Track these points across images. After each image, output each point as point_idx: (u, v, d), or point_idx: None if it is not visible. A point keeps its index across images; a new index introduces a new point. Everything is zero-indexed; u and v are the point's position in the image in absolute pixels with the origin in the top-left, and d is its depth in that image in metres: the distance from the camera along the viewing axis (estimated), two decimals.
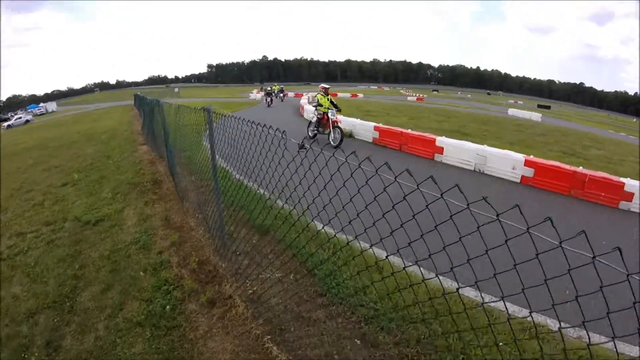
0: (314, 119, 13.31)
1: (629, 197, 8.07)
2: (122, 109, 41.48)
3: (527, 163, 9.29)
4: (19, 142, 20.84)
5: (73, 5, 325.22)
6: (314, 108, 13.45)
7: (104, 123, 25.58)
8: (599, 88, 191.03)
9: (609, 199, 8.26)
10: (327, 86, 13.34)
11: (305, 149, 2.19)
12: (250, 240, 4.51)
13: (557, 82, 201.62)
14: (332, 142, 12.33)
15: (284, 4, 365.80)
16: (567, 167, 8.97)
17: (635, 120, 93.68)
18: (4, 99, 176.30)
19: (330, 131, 12.46)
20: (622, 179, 8.29)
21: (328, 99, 12.95)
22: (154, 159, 10.87)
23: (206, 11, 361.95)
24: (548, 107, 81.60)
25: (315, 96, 13.35)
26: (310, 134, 13.65)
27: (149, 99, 10.25)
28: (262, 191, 3.21)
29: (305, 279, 4.12)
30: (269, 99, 32.60)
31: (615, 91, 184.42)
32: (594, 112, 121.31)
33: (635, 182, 8.07)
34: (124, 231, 5.86)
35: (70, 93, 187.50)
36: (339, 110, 12.99)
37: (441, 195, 1.44)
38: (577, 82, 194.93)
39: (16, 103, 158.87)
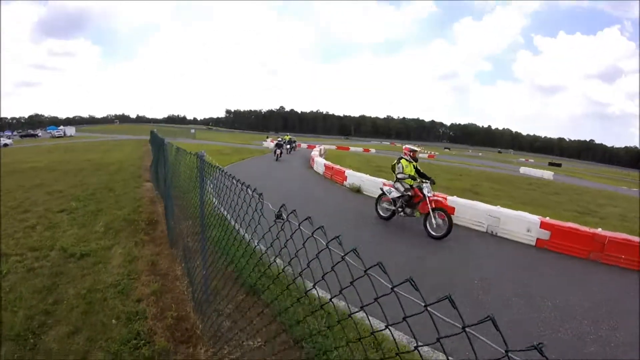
0: (393, 194, 9.84)
1: None
2: (137, 143, 42.16)
3: (543, 225, 8.91)
4: (28, 161, 20.88)
5: (112, 42, 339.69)
6: (395, 179, 9.97)
7: (116, 155, 25.84)
8: (609, 144, 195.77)
9: (630, 261, 7.87)
10: (416, 148, 10.09)
11: (282, 219, 1.85)
12: (235, 299, 4.17)
13: (567, 139, 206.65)
14: (432, 231, 8.82)
15: (305, 64, 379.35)
16: (586, 229, 8.59)
17: None
18: (26, 116, 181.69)
19: (429, 215, 8.90)
20: None
21: (414, 166, 9.82)
22: (155, 197, 10.68)
23: (232, 61, 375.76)
24: (559, 165, 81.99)
25: (399, 162, 9.79)
26: (382, 213, 10.43)
27: (159, 136, 10.22)
28: (256, 246, 2.90)
29: (291, 350, 3.76)
30: (278, 152, 28.09)
31: (626, 147, 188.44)
32: (605, 169, 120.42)
33: None
34: (107, 270, 5.51)
35: (91, 121, 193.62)
36: (432, 183, 9.45)
37: (365, 272, 1.20)
38: (588, 139, 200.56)
39: (37, 122, 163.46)
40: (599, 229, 8.58)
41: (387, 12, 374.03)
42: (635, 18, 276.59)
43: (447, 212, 8.79)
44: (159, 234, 7.35)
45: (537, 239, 8.98)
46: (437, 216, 8.82)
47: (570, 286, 6.67)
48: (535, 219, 9.10)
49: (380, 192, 10.51)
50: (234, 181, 2.72)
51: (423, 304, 1.02)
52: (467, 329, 0.97)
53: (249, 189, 2.39)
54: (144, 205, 9.68)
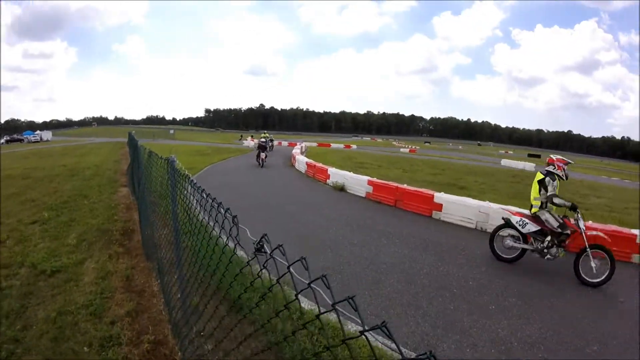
0: (529, 227, 7.14)
1: None
2: (114, 145, 41.27)
3: None
4: (5, 168, 20.12)
5: (88, 43, 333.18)
6: (541, 205, 7.17)
7: (92, 159, 25.10)
8: (586, 135, 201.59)
9: (622, 253, 7.83)
10: (569, 161, 7.39)
11: (264, 252, 1.50)
12: (218, 318, 3.85)
13: (545, 131, 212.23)
14: (587, 277, 6.57)
15: (284, 62, 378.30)
16: None
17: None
18: (2, 121, 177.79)
19: (584, 255, 6.63)
20: (634, 231, 8.07)
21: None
22: (131, 204, 10.24)
23: (210, 60, 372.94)
24: (538, 156, 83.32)
25: (552, 180, 7.01)
26: (501, 253, 7.52)
27: (135, 139, 9.80)
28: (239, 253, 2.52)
29: None
30: (262, 156, 21.91)
31: (603, 137, 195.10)
32: (584, 159, 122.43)
33: None
34: (78, 288, 5.13)
35: (68, 124, 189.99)
36: (575, 209, 6.88)
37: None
38: (565, 130, 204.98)
39: (13, 127, 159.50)
40: (590, 222, 8.51)
41: (367, 6, 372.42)
42: (612, 10, 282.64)
43: (607, 249, 6.59)
44: (134, 245, 6.97)
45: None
46: (594, 256, 6.56)
47: (567, 283, 6.58)
48: (527, 213, 8.90)
49: (503, 223, 7.65)
50: (203, 195, 2.37)
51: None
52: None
53: (220, 208, 2.00)
54: (120, 213, 9.26)
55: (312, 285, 1.13)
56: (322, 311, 1.14)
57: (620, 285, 6.59)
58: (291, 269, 1.27)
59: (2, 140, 67.94)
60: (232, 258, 1.86)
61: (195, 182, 2.73)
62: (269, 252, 1.42)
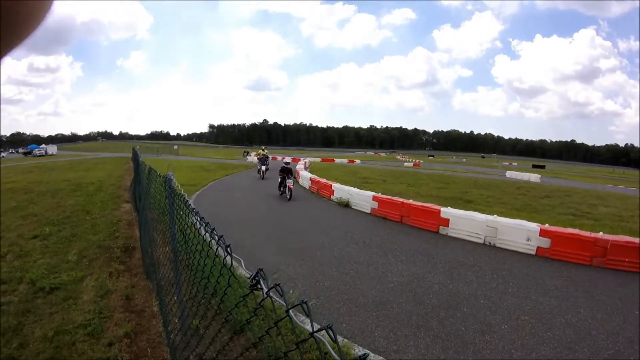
0: None
1: None
2: (118, 161, 41.29)
3: (543, 233, 8.62)
4: (6, 182, 20.09)
5: (93, 57, 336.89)
6: None
7: (96, 174, 25.02)
8: (589, 143, 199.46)
9: (633, 264, 7.70)
10: None
11: (260, 289, 1.33)
12: (220, 341, 3.65)
13: (548, 141, 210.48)
14: None
15: (287, 77, 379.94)
16: (587, 234, 8.38)
17: None
18: (7, 134, 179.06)
19: None
20: None
21: None
22: (133, 220, 10.12)
23: (215, 76, 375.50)
24: (543, 167, 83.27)
25: None
26: None
27: (138, 154, 9.70)
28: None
29: None
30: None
31: (607, 144, 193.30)
32: (587, 168, 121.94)
33: None
34: (77, 307, 5.00)
35: (74, 138, 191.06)
36: None
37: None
38: (569, 140, 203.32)
39: (19, 141, 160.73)
40: (600, 233, 8.41)
41: (367, 20, 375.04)
42: (611, 17, 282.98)
43: None
44: (135, 262, 6.84)
45: (538, 248, 8.68)
46: None
47: (580, 298, 6.38)
48: (534, 226, 8.83)
49: None
50: (196, 218, 2.22)
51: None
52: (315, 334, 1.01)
53: (214, 233, 1.82)
54: (121, 230, 9.14)
55: (315, 335, 0.99)
56: None
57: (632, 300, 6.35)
58: (291, 312, 1.12)
59: (3, 154, 68.84)
60: (226, 290, 1.71)
61: (190, 203, 2.60)
62: (265, 289, 1.26)
